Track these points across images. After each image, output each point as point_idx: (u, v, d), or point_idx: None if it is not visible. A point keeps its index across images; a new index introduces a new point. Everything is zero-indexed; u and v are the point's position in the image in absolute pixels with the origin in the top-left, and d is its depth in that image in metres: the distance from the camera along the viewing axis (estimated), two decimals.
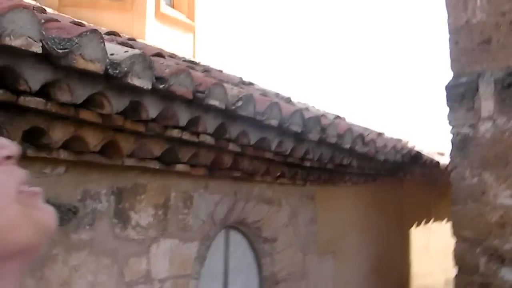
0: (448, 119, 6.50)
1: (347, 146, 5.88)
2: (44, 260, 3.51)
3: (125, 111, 3.49)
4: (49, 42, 2.89)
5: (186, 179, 4.66)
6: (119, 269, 4.07)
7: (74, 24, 3.60)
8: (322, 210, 6.62)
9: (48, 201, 3.28)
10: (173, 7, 9.93)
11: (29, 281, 3.38)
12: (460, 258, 6.44)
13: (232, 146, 4.60)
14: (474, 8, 6.36)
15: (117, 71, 3.24)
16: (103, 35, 3.38)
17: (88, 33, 3.09)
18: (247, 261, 5.72)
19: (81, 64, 3.01)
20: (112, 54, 3.27)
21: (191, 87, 3.81)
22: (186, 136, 4.09)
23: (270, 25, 38.38)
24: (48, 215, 1.22)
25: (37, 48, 2.80)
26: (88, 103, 3.29)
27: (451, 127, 6.52)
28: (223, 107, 4.13)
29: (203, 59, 9.15)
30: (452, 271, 6.62)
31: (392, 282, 8.41)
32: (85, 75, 3.13)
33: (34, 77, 2.93)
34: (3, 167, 1.18)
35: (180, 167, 4.38)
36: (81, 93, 3.18)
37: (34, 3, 3.66)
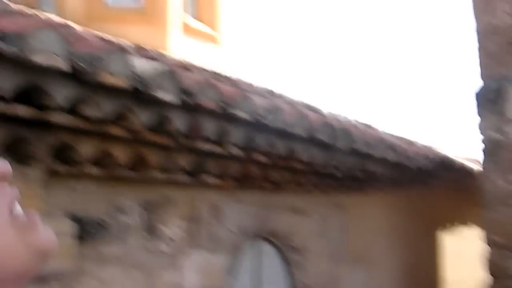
0: (479, 125, 6.44)
1: (377, 155, 5.84)
2: (74, 274, 3.52)
3: (153, 126, 3.50)
4: (75, 59, 2.91)
5: (215, 191, 4.66)
6: (149, 282, 4.08)
7: (100, 39, 3.61)
8: (352, 218, 6.58)
9: (77, 216, 3.32)
10: (197, 19, 9.96)
11: None
12: (492, 264, 6.37)
13: (260, 158, 4.59)
14: (503, 11, 6.31)
15: (144, 86, 3.25)
16: (129, 50, 3.39)
17: (114, 49, 3.10)
18: (277, 271, 5.70)
19: (108, 80, 3.03)
20: (138, 69, 3.27)
21: (218, 99, 3.81)
22: (214, 148, 4.09)
23: (297, 33, 38.36)
24: (47, 239, 1.15)
25: (64, 65, 2.82)
26: (115, 118, 3.30)
27: (481, 133, 6.45)
28: (251, 119, 4.12)
29: (229, 70, 9.16)
30: (484, 277, 6.56)
31: None
32: (112, 91, 3.14)
33: (62, 93, 2.95)
34: None
35: (208, 179, 4.38)
36: (109, 108, 3.19)
37: (60, 19, 3.67)
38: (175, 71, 3.56)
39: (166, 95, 3.38)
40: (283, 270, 5.75)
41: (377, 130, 6.63)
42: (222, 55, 10.15)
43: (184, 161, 4.04)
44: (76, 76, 2.96)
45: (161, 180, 4.04)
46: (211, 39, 9.97)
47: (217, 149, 4.13)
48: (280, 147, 4.65)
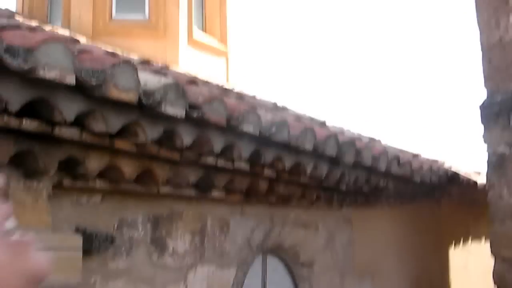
0: (484, 138, 6.43)
1: (382, 168, 5.84)
2: None
3: (159, 140, 3.51)
4: (82, 74, 2.92)
5: (222, 205, 4.66)
6: None
7: (108, 53, 3.63)
8: (359, 232, 6.57)
9: (84, 230, 3.32)
10: (205, 32, 9.97)
11: None
12: (500, 278, 6.35)
13: (267, 172, 4.60)
14: (507, 25, 6.31)
15: (151, 100, 3.26)
16: (136, 64, 3.41)
17: (121, 63, 3.11)
18: (285, 286, 5.69)
19: (114, 94, 3.04)
20: (145, 84, 3.28)
21: (224, 114, 3.81)
22: (221, 163, 4.10)
23: (304, 47, 38.39)
24: (40, 263, 1.07)
25: (71, 80, 2.83)
26: (122, 133, 3.31)
27: (486, 146, 6.44)
28: (257, 133, 4.13)
29: (236, 84, 9.17)
30: None
31: None
32: (119, 105, 3.15)
33: (69, 108, 2.96)
34: None
35: (215, 193, 4.39)
36: (116, 122, 3.20)
37: (67, 33, 3.70)
38: (182, 85, 3.57)
39: (173, 109, 3.38)
40: (290, 284, 5.74)
41: (383, 143, 6.63)
42: (229, 69, 10.16)
43: (191, 175, 4.04)
44: (83, 90, 2.98)
45: (168, 194, 4.04)
46: (219, 52, 9.98)
47: (224, 163, 4.13)
48: (287, 161, 4.65)
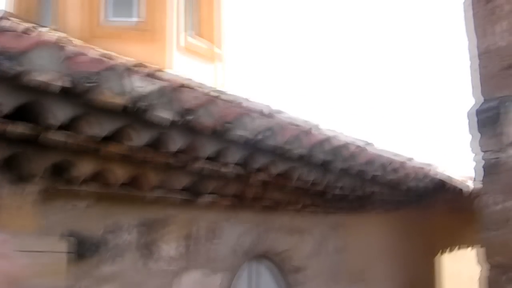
0: (471, 145, 6.43)
1: (374, 174, 5.83)
2: None
3: (151, 144, 3.51)
4: (74, 77, 2.91)
5: (213, 210, 4.65)
6: None
7: (99, 58, 3.62)
8: (350, 238, 6.57)
9: (75, 234, 3.31)
10: (199, 36, 9.97)
11: None
12: (493, 284, 6.34)
13: (258, 177, 4.59)
14: (494, 34, 6.32)
15: (142, 104, 3.25)
16: (129, 68, 3.40)
17: (112, 67, 3.11)
18: None
19: (105, 98, 3.03)
20: (137, 88, 3.27)
21: (215, 119, 3.81)
22: (212, 167, 4.09)
23: (297, 50, 38.44)
24: (17, 266, 1.06)
25: (62, 83, 2.82)
26: (114, 137, 3.30)
27: (477, 153, 6.44)
28: (249, 137, 4.12)
29: (230, 87, 9.16)
30: None
31: None
32: (110, 109, 3.14)
33: (60, 111, 2.96)
34: None
35: (206, 198, 4.38)
36: (107, 126, 3.20)
37: (59, 36, 3.68)
38: (174, 90, 3.57)
39: (164, 114, 3.38)
40: None
41: (375, 147, 6.62)
42: (222, 73, 10.15)
43: (181, 180, 4.04)
44: (74, 94, 2.97)
45: (158, 199, 4.04)
46: (212, 56, 9.98)
47: (215, 168, 4.12)
48: (277, 166, 4.65)
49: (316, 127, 6.21)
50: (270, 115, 4.76)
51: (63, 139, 3.06)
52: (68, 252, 3.44)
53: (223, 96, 5.50)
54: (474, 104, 6.44)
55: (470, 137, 6.40)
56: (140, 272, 4.03)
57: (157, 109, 3.33)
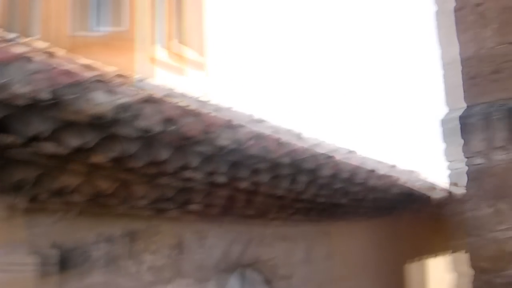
0: (444, 153, 6.48)
1: (360, 181, 5.84)
2: None
3: (136, 154, 3.50)
4: (56, 89, 2.90)
5: (200, 219, 4.65)
6: None
7: (80, 68, 3.61)
8: (337, 245, 6.57)
9: (61, 245, 3.30)
10: (184, 44, 9.98)
11: None
12: None
13: (244, 185, 4.59)
14: (465, 42, 6.38)
15: (127, 115, 3.25)
16: (112, 78, 3.40)
17: (96, 78, 3.11)
18: None
19: (89, 109, 3.03)
20: (121, 98, 3.27)
21: (201, 128, 3.81)
22: (198, 176, 4.09)
23: (282, 58, 38.54)
24: None
25: (44, 95, 2.82)
26: (98, 147, 3.29)
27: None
28: (234, 147, 4.13)
29: (214, 95, 9.18)
30: None
31: None
32: (94, 120, 3.14)
33: (44, 123, 2.95)
34: None
35: (193, 207, 4.38)
36: (91, 137, 3.19)
37: (42, 46, 3.67)
38: (158, 99, 3.57)
39: (149, 124, 3.38)
40: None
41: (359, 155, 6.65)
42: (208, 81, 10.16)
43: (168, 189, 4.03)
44: (57, 105, 2.96)
45: (145, 208, 4.03)
46: (197, 65, 9.99)
47: (201, 177, 4.13)
48: (264, 174, 4.65)
49: (300, 135, 6.23)
50: (256, 123, 4.77)
51: (48, 151, 3.06)
52: (57, 263, 3.44)
53: (209, 104, 5.51)
54: (445, 113, 6.51)
55: (443, 145, 6.47)
56: (128, 282, 4.02)
57: (141, 120, 3.32)
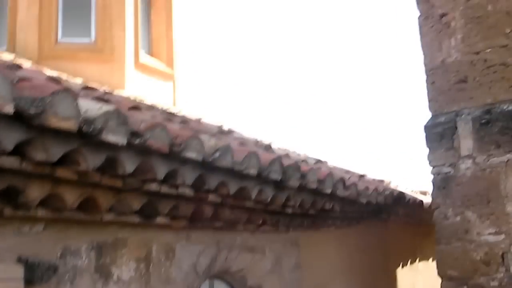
0: (428, 159, 6.51)
1: (328, 191, 5.87)
2: None
3: (101, 167, 3.48)
4: (21, 102, 2.89)
5: (167, 232, 4.63)
6: None
7: (49, 80, 3.61)
8: (307, 255, 6.58)
9: (27, 260, 3.27)
10: (152, 55, 9.95)
11: None
12: None
13: (211, 197, 4.59)
14: (449, 48, 6.43)
15: (92, 128, 3.23)
16: (78, 91, 3.39)
17: (61, 91, 3.09)
18: None
19: (54, 122, 3.01)
20: (86, 111, 3.26)
21: (167, 140, 3.80)
22: (164, 189, 4.09)
23: (251, 70, 38.57)
24: None
25: (9, 109, 2.80)
26: (64, 161, 3.28)
27: (431, 167, 6.52)
28: (201, 159, 4.12)
29: (183, 107, 9.16)
30: None
31: None
32: (59, 133, 3.12)
33: (8, 137, 2.93)
34: None
35: (160, 220, 4.37)
36: (56, 151, 3.17)
37: (9, 58, 3.65)
38: (124, 112, 3.55)
39: (115, 137, 3.36)
40: None
41: (328, 165, 6.67)
42: (176, 92, 10.14)
43: (134, 202, 4.02)
44: (22, 119, 2.95)
45: (111, 221, 4.01)
46: (166, 75, 9.96)
47: (167, 189, 4.12)
48: (231, 186, 4.65)
49: (269, 146, 6.24)
50: (223, 134, 4.78)
51: (12, 165, 3.04)
52: (23, 278, 3.41)
53: (176, 116, 5.50)
54: (430, 118, 6.55)
55: (427, 150, 6.50)
56: None
57: (108, 133, 3.31)
